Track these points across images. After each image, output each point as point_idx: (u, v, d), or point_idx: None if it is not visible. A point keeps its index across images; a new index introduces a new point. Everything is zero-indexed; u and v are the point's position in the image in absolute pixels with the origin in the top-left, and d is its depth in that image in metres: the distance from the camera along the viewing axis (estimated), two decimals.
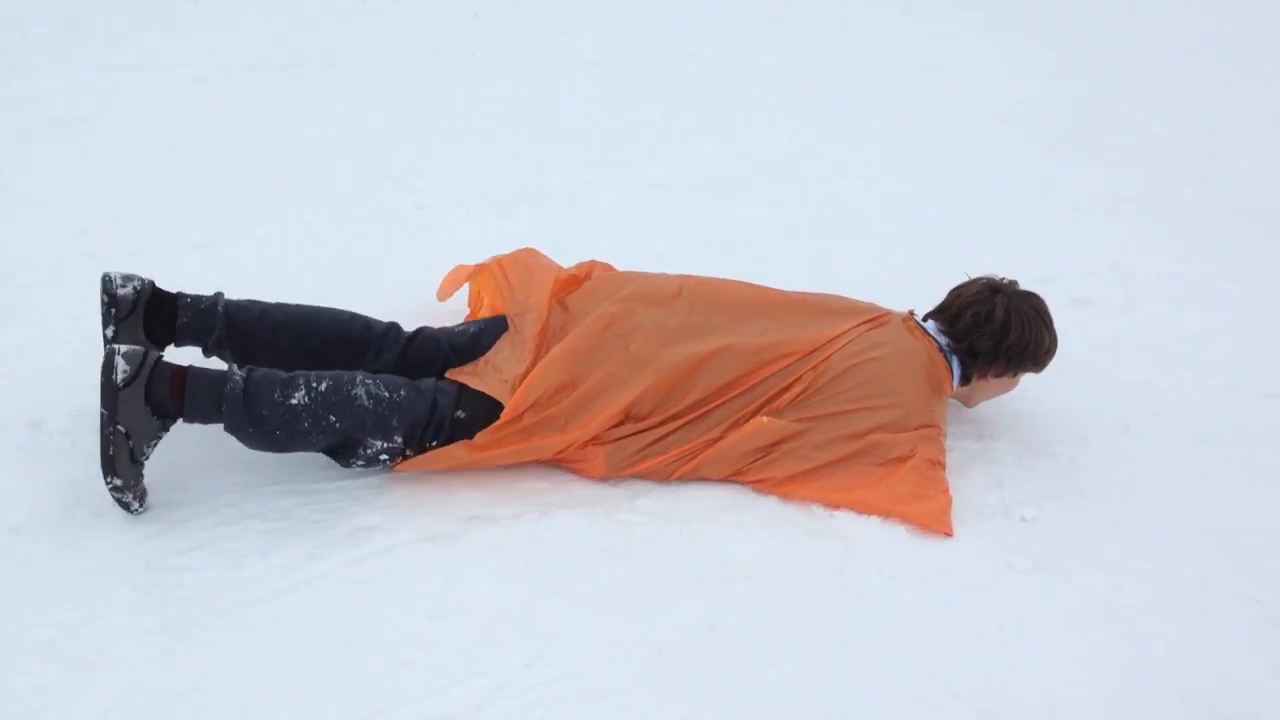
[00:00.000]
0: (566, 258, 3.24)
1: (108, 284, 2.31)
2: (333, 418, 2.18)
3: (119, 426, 2.10)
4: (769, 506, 2.39)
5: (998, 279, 2.59)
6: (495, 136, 4.12)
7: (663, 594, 2.16)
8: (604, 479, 2.34)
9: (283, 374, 2.21)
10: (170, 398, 2.13)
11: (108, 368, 2.09)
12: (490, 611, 2.09)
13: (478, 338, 2.44)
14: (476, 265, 2.74)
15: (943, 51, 5.62)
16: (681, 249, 3.43)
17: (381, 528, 2.23)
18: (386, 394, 2.23)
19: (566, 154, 4.04)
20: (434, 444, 2.27)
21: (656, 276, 2.56)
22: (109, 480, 2.11)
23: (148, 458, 2.16)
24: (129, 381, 2.09)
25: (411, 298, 2.94)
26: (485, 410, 2.28)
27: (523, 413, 2.27)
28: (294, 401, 2.17)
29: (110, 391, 2.09)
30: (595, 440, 2.31)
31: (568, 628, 2.07)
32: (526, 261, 2.62)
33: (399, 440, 2.24)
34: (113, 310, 2.30)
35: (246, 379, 2.17)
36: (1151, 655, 2.15)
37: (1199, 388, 3.06)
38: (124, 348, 2.11)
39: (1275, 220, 4.18)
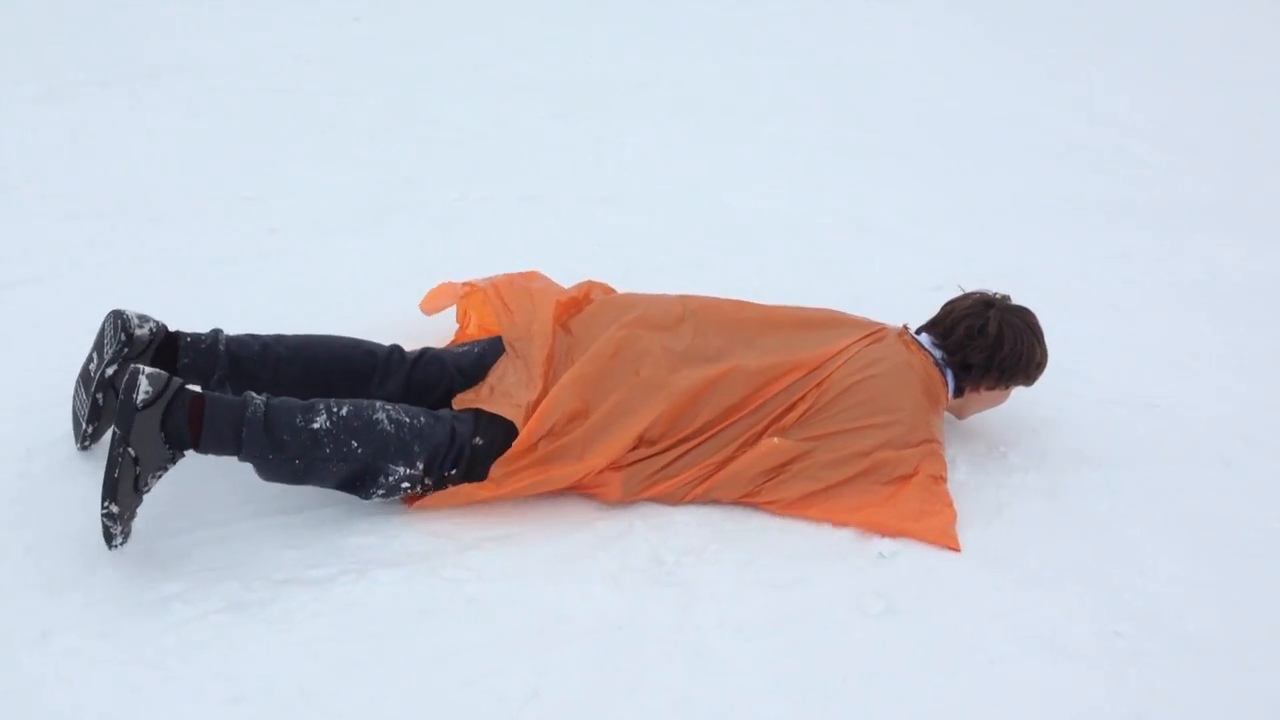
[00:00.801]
0: (427, 281, 3.08)
1: (125, 323, 2.24)
2: (355, 443, 2.14)
3: (130, 449, 2.00)
4: (610, 556, 2.25)
5: (990, 293, 2.62)
6: (364, 150, 3.94)
7: (485, 659, 2.00)
8: (619, 503, 2.32)
9: (300, 400, 2.17)
10: (188, 425, 2.06)
11: (130, 386, 2.01)
12: (292, 689, 1.92)
13: (482, 358, 2.41)
14: (466, 284, 2.69)
15: (834, 53, 5.50)
16: (552, 266, 3.27)
17: (182, 597, 2.06)
18: (407, 419, 2.20)
19: (439, 167, 3.87)
20: (453, 472, 2.24)
21: (659, 299, 2.57)
22: (106, 505, 2.00)
23: (149, 489, 2.06)
24: (149, 403, 2.01)
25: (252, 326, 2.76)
26: (502, 436, 2.25)
27: (537, 441, 2.26)
28: (316, 426, 2.13)
29: (128, 411, 2.00)
30: (610, 465, 2.30)
31: (374, 703, 1.91)
32: (524, 285, 2.59)
33: (420, 467, 2.20)
34: (125, 350, 2.22)
35: (267, 404, 2.13)
36: (1005, 701, 2.02)
37: (1083, 400, 2.96)
38: (148, 369, 2.05)
39: (1173, 218, 4.09)
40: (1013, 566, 2.33)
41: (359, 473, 2.17)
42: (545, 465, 2.26)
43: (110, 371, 2.21)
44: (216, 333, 2.33)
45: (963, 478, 2.57)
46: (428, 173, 3.83)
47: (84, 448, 2.30)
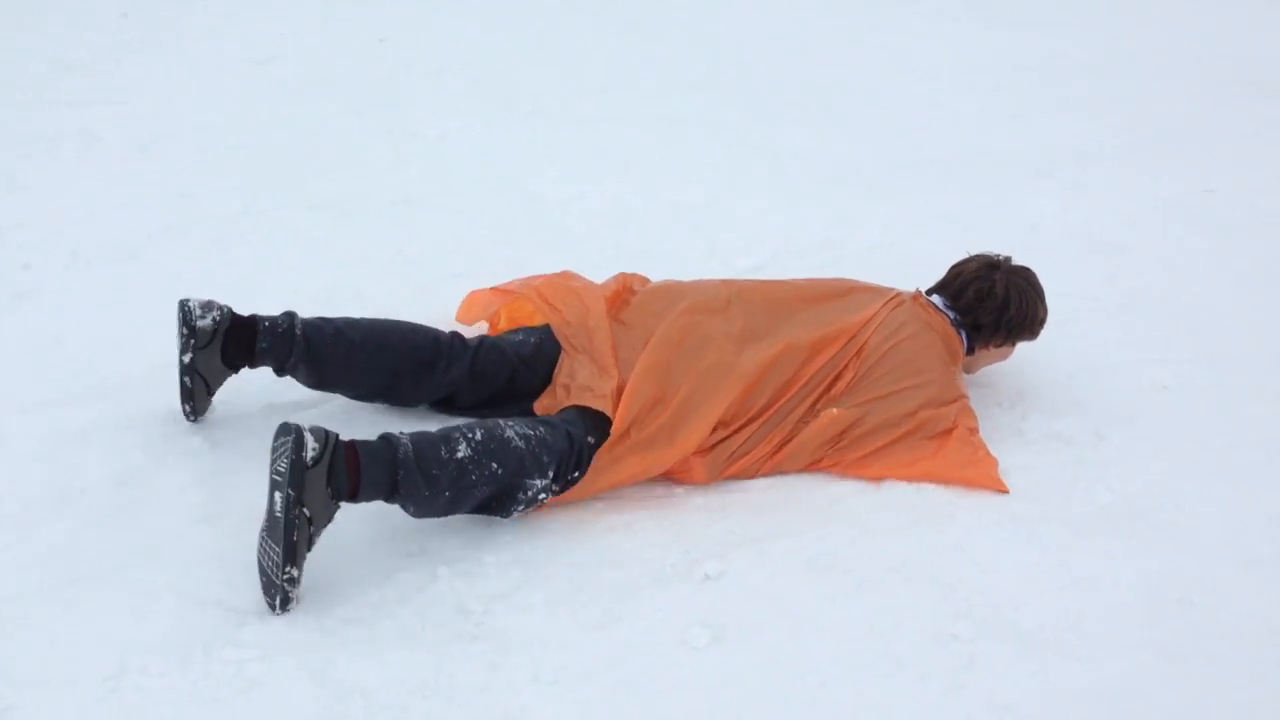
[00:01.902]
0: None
1: (187, 314, 2.31)
2: (495, 465, 2.17)
3: (305, 510, 1.99)
4: (410, 612, 2.05)
5: (994, 255, 2.76)
6: (131, 165, 3.59)
7: None
8: (704, 484, 2.40)
9: (433, 431, 2.18)
10: (348, 475, 2.06)
11: (297, 445, 2.00)
12: None
13: (540, 347, 2.49)
14: (497, 290, 2.74)
15: (640, 22, 5.32)
16: (345, 285, 3.02)
17: None
18: (531, 432, 2.24)
19: (217, 179, 3.55)
20: (576, 475, 2.27)
21: (702, 284, 2.67)
22: (287, 570, 1.98)
23: (313, 548, 2.04)
24: (317, 460, 2.01)
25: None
26: (603, 431, 2.32)
27: (628, 428, 2.32)
28: (460, 455, 2.15)
29: (299, 471, 1.99)
30: (695, 450, 2.39)
31: None
32: (565, 284, 2.65)
33: (550, 475, 2.24)
34: (191, 340, 2.31)
35: (413, 442, 2.13)
36: None
37: None
38: (309, 425, 2.05)
39: (987, 176, 4.06)
40: (843, 571, 2.22)
41: (498, 493, 2.19)
42: (644, 451, 2.33)
43: (187, 359, 2.32)
44: (291, 315, 2.40)
45: (790, 478, 2.45)
46: (204, 185, 3.51)
47: (193, 421, 2.42)
